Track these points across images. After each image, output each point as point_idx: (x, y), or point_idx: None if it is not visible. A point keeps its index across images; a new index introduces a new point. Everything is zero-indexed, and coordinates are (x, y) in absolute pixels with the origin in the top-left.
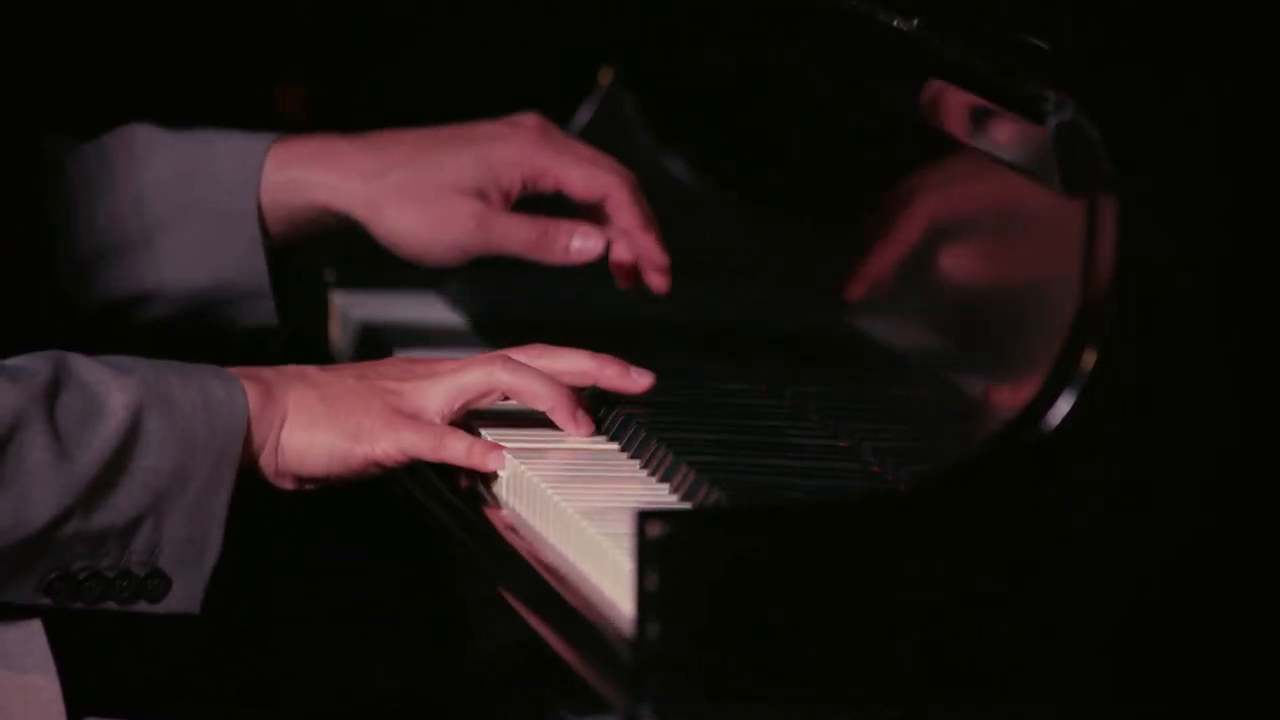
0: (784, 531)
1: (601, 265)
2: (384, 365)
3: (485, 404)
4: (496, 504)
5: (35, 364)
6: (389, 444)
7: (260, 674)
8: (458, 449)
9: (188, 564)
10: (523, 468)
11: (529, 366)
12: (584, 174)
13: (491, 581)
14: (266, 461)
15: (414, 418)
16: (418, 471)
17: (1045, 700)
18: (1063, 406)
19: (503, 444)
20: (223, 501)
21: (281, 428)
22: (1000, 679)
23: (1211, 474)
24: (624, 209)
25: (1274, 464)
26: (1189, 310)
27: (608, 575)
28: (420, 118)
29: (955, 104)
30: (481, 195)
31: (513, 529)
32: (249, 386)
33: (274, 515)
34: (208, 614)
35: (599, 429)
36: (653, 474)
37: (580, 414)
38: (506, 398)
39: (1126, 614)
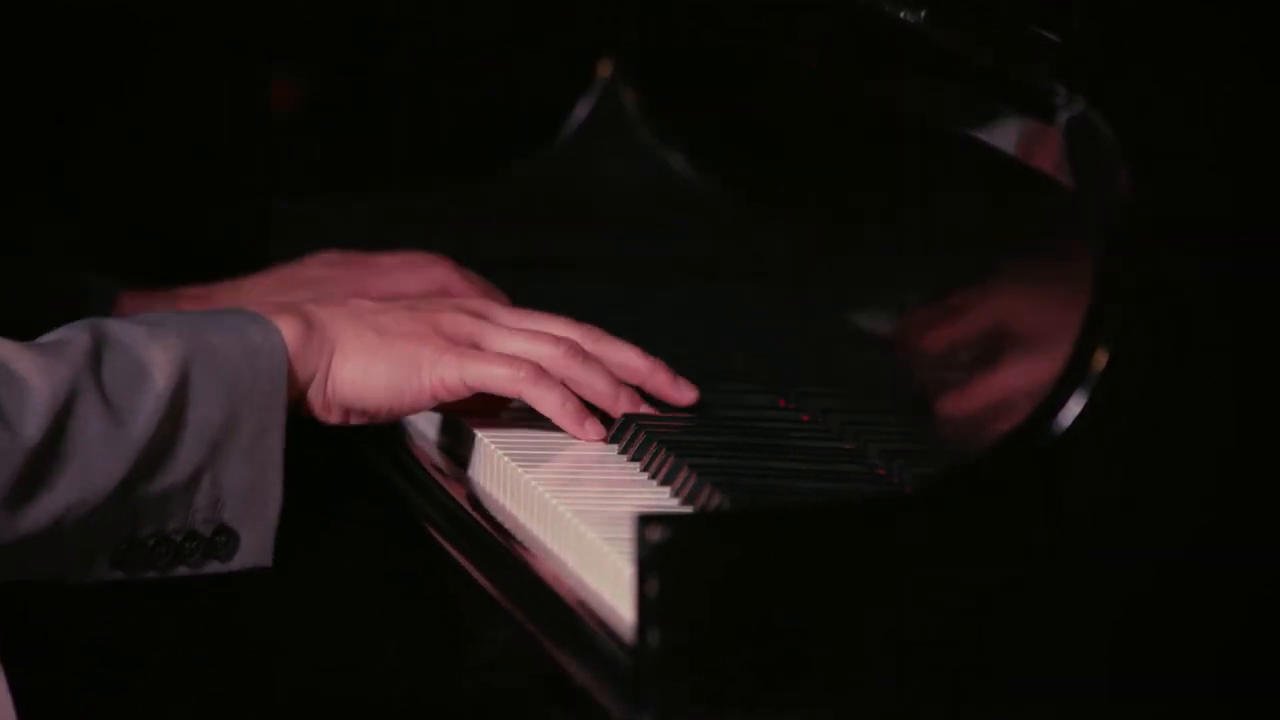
0: (788, 536)
1: (601, 268)
2: (434, 300)
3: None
4: (492, 507)
5: (73, 334)
6: (450, 374)
7: (252, 681)
8: (549, 397)
9: (252, 514)
10: (521, 471)
11: (597, 359)
12: (415, 279)
13: (488, 587)
14: (315, 395)
15: (477, 350)
16: (413, 474)
17: (1055, 707)
18: (1073, 408)
19: (499, 446)
20: (276, 443)
21: (331, 359)
22: (1009, 686)
23: (1222, 477)
24: (465, 297)
25: None
26: (1200, 313)
27: (607, 580)
28: (416, 111)
29: (963, 98)
30: None
31: (510, 533)
32: (288, 323)
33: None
34: (202, 618)
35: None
36: (653, 477)
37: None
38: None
39: (1136, 618)
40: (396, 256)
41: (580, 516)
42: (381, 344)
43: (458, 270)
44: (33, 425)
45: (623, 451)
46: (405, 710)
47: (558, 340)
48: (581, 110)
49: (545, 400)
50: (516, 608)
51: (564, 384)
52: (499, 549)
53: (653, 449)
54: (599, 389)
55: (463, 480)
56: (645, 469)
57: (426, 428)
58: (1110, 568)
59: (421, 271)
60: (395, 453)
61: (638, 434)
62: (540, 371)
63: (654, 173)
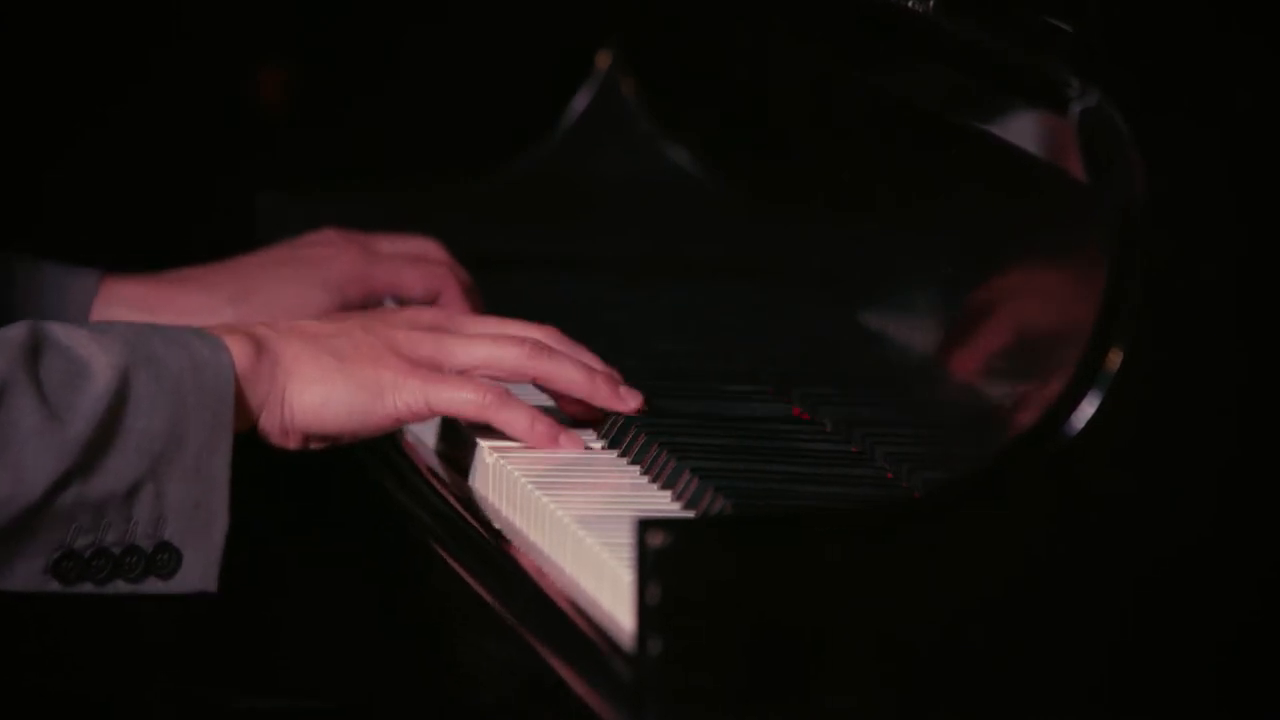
0: (792, 541)
1: (601, 265)
2: (388, 314)
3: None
4: (489, 512)
5: (9, 332)
6: (415, 399)
7: (245, 687)
8: (517, 419)
9: (196, 534)
10: (516, 473)
11: (563, 354)
12: (418, 276)
13: (483, 594)
14: (270, 420)
15: (439, 371)
16: (407, 478)
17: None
18: (1086, 410)
19: (496, 447)
20: (222, 464)
21: (286, 385)
22: (1017, 697)
23: (1239, 479)
24: (456, 302)
25: None
26: (1215, 311)
27: (606, 587)
28: (410, 104)
29: (973, 90)
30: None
31: (506, 538)
32: (236, 343)
33: (252, 525)
34: (196, 624)
35: (598, 433)
36: (654, 480)
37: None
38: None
39: (1149, 624)
40: (397, 243)
41: (578, 522)
42: (340, 369)
43: (453, 271)
44: None
45: (622, 454)
46: (401, 719)
47: (521, 340)
48: (580, 102)
49: (514, 423)
50: (513, 615)
51: (527, 405)
52: (495, 555)
53: (653, 451)
54: (573, 378)
55: (458, 484)
56: (646, 472)
57: (422, 431)
58: (1123, 573)
59: (423, 269)
60: (390, 456)
61: (638, 436)
62: (505, 395)
63: (654, 165)
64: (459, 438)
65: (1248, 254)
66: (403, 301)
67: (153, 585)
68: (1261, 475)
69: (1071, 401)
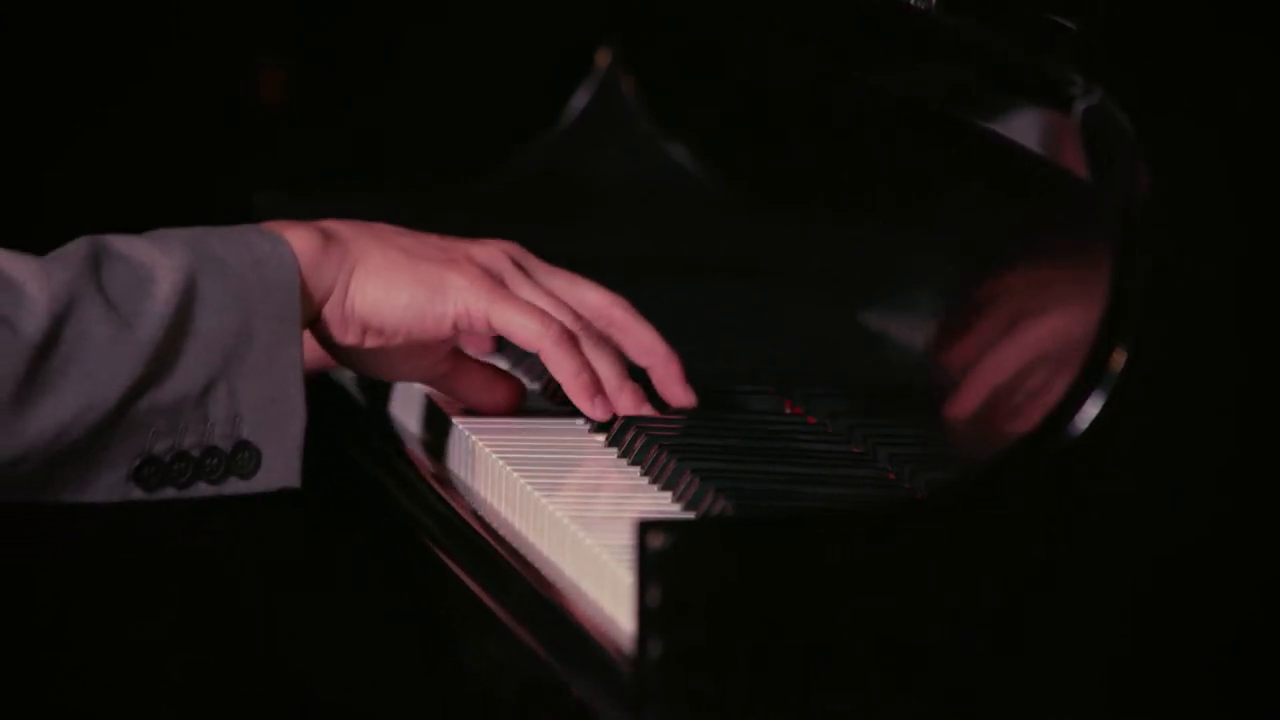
0: (794, 543)
1: (601, 264)
2: (468, 241)
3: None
4: (487, 512)
5: (70, 247)
6: (477, 305)
7: (238, 691)
8: (567, 363)
9: (274, 430)
10: (516, 475)
11: (612, 346)
12: None
13: (481, 595)
14: (332, 311)
15: (507, 291)
16: (405, 478)
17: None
18: (1090, 410)
19: (493, 448)
20: (294, 358)
21: (351, 275)
22: (1021, 698)
23: (1244, 479)
24: None
25: None
26: (1219, 310)
27: (606, 589)
28: (409, 103)
29: (975, 88)
30: None
31: (505, 540)
32: (301, 236)
33: (251, 525)
34: (194, 625)
35: (597, 433)
36: (654, 481)
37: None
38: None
39: (1152, 624)
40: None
41: (578, 523)
42: (408, 262)
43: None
44: (31, 325)
45: (622, 455)
46: None
47: (578, 316)
48: (580, 100)
49: (563, 365)
50: (511, 617)
51: (581, 355)
52: (493, 555)
53: (654, 452)
54: (606, 376)
55: (455, 484)
56: (646, 473)
57: (418, 428)
58: (1125, 574)
59: None
60: (388, 456)
61: (638, 437)
62: (568, 336)
63: (654, 164)
64: (454, 436)
65: (1250, 254)
66: None
67: (235, 485)
68: (1264, 476)
69: (1075, 402)
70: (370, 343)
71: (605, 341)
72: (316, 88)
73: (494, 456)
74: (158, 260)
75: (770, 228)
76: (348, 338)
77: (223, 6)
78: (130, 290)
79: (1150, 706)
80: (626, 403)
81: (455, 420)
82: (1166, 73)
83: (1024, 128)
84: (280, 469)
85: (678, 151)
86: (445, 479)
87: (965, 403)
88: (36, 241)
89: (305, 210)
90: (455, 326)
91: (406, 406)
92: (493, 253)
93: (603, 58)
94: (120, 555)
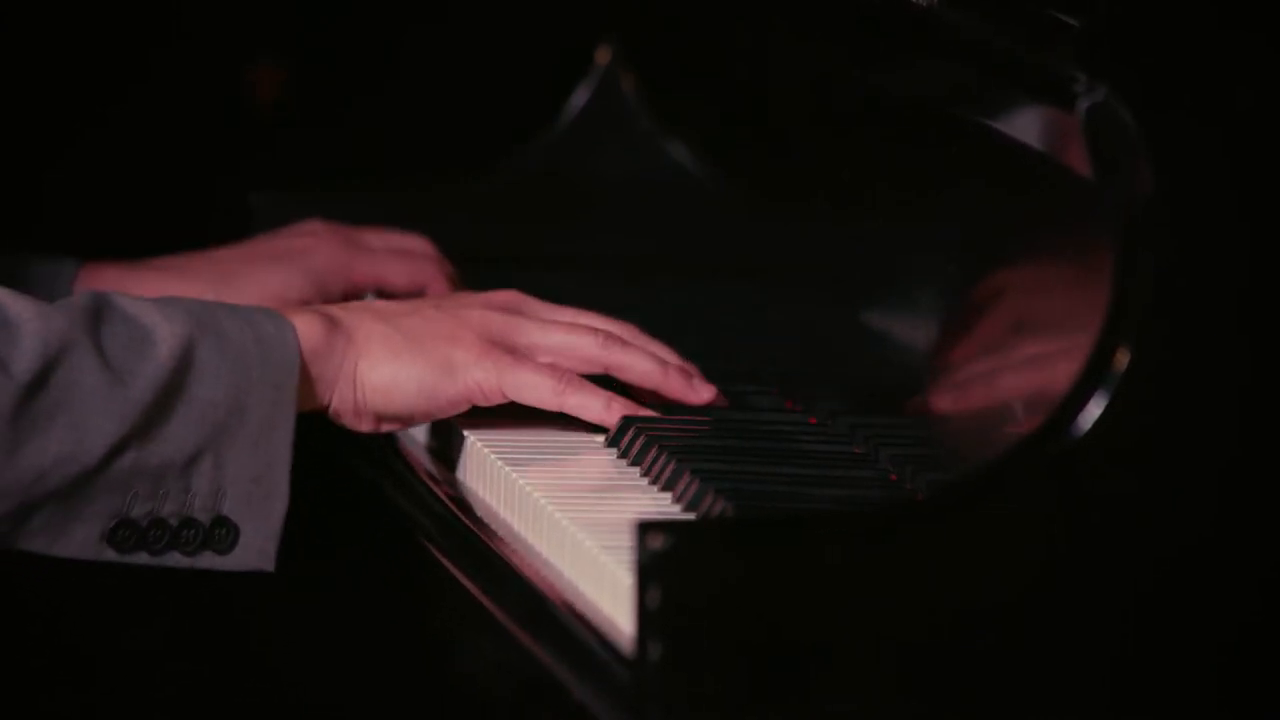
0: (795, 545)
1: (601, 264)
2: (462, 295)
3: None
4: (486, 514)
5: (74, 299)
6: (488, 378)
7: (234, 695)
8: (592, 404)
9: (255, 510)
10: (515, 476)
11: (636, 346)
12: (403, 268)
13: (480, 596)
14: (342, 400)
15: (514, 354)
16: (403, 479)
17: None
18: (1093, 410)
19: (492, 449)
20: (284, 440)
21: (358, 362)
22: (1022, 699)
23: (1247, 480)
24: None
25: None
26: (1222, 310)
27: (606, 591)
28: (409, 103)
29: (976, 85)
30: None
31: (504, 541)
32: (307, 321)
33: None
34: (193, 627)
35: (596, 435)
36: (654, 482)
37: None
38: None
39: (1154, 625)
40: (381, 236)
41: (578, 524)
42: (411, 346)
43: (440, 266)
44: (22, 365)
45: (622, 455)
46: None
47: (595, 330)
48: (580, 98)
49: (589, 408)
50: (511, 618)
51: (600, 389)
52: (492, 557)
53: (653, 453)
54: (646, 369)
55: (454, 484)
56: (646, 474)
57: (415, 430)
58: (1128, 575)
59: (409, 262)
60: (386, 457)
61: (638, 437)
62: (578, 379)
63: (655, 162)
64: (451, 435)
65: (1254, 253)
66: (385, 295)
67: (209, 560)
68: (1267, 475)
69: (1078, 402)
70: (387, 427)
71: (630, 345)
72: (316, 87)
73: (493, 457)
74: (159, 323)
75: (771, 226)
76: (363, 425)
77: (222, 6)
78: (128, 348)
79: (1151, 707)
80: (676, 386)
81: (455, 422)
82: (1168, 71)
83: (1025, 125)
84: (256, 550)
85: (678, 150)
86: (443, 479)
87: (967, 403)
88: (36, 242)
89: (304, 210)
90: (469, 401)
91: None
92: (488, 314)
93: (602, 55)
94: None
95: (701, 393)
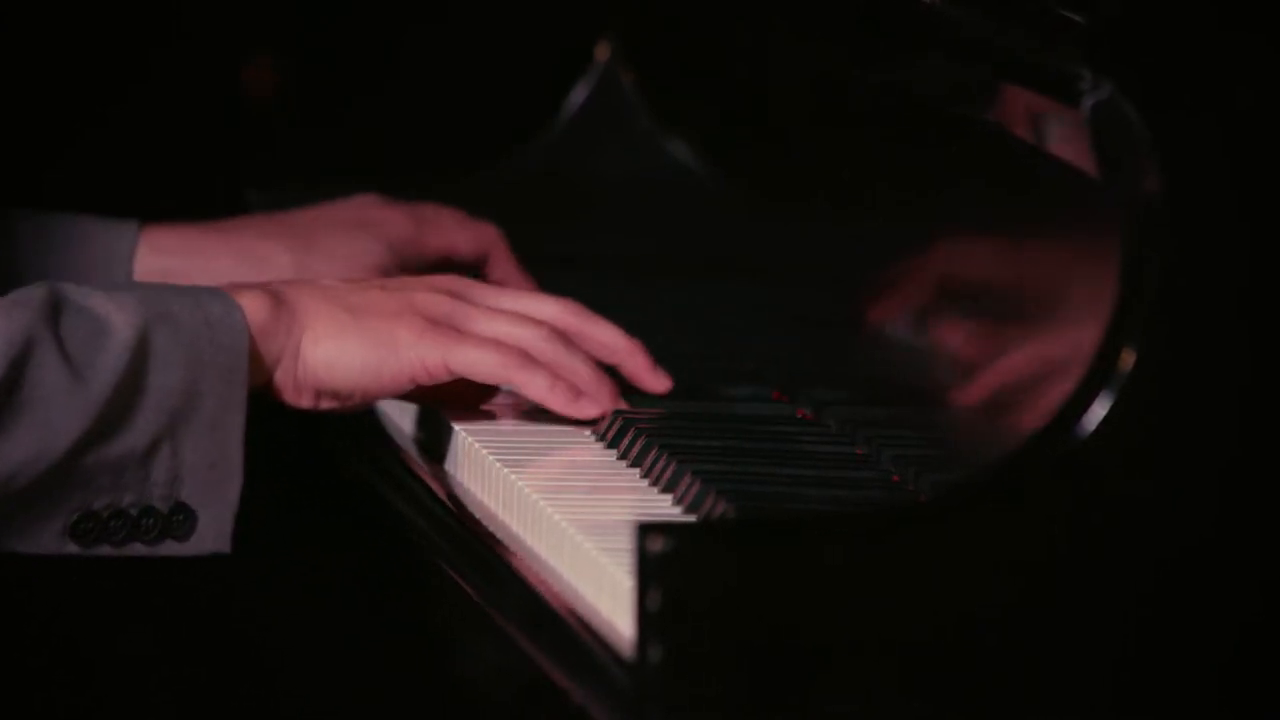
0: (797, 547)
1: (601, 263)
2: (407, 278)
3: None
4: (483, 515)
5: (28, 292)
6: (433, 356)
7: (232, 699)
8: (536, 382)
9: (211, 493)
10: (513, 476)
11: (579, 345)
12: (470, 236)
13: (477, 599)
14: (284, 375)
15: (459, 332)
16: (399, 481)
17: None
18: (1098, 411)
19: (489, 449)
20: (237, 422)
21: (301, 338)
22: (1026, 703)
23: (1248, 482)
24: (505, 263)
25: None
26: (1229, 311)
27: (605, 593)
28: (409, 101)
29: (980, 84)
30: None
31: (501, 542)
32: (252, 298)
33: (245, 527)
34: (182, 626)
35: (595, 435)
36: (654, 484)
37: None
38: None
39: (1158, 626)
40: (436, 209)
41: (576, 525)
42: (355, 323)
43: (503, 240)
44: None
45: (621, 456)
46: None
47: (539, 324)
48: (579, 94)
49: (533, 384)
50: (509, 621)
51: (546, 367)
52: (489, 559)
53: (653, 454)
54: (582, 376)
55: (449, 485)
56: (645, 475)
57: (413, 429)
58: (1132, 575)
59: (471, 230)
60: (382, 458)
61: (637, 438)
62: (526, 355)
63: (654, 160)
64: (447, 434)
65: (1260, 253)
66: (452, 264)
67: (169, 548)
68: (1272, 477)
69: (1083, 402)
70: (325, 405)
71: (572, 342)
72: (316, 86)
73: (491, 459)
74: (113, 313)
75: (771, 226)
76: (302, 401)
77: (222, 6)
78: (86, 342)
79: (1153, 708)
80: (607, 395)
81: (452, 422)
82: (1170, 69)
83: (1029, 124)
84: (213, 534)
85: (677, 149)
86: (441, 481)
87: (970, 403)
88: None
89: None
90: (412, 380)
91: (401, 407)
92: (433, 296)
93: (602, 50)
94: (110, 563)
95: (652, 381)
